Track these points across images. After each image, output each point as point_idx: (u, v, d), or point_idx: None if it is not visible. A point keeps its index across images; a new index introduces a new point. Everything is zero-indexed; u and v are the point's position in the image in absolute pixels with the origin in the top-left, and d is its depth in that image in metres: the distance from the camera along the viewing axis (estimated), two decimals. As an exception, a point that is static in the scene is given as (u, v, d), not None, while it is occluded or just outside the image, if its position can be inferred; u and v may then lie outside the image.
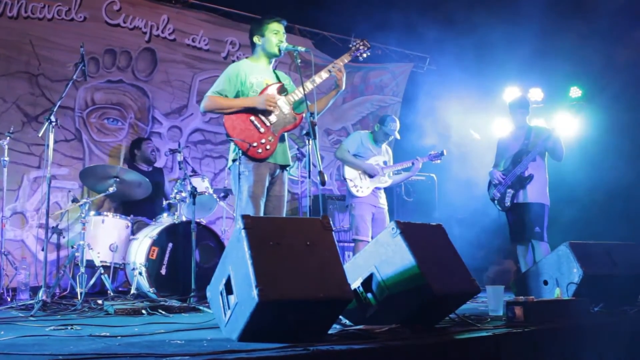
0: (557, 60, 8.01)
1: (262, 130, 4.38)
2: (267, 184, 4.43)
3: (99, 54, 7.44)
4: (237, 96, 4.49)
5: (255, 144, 4.33)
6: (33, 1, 6.99)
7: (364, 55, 4.68)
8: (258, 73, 4.56)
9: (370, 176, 6.27)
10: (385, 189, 6.50)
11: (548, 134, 6.00)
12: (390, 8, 8.05)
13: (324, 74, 4.49)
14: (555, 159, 6.10)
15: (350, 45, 4.67)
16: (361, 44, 4.66)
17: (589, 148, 7.82)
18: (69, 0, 7.21)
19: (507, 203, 6.09)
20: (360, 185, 6.24)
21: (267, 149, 4.37)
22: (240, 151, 4.35)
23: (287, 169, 4.62)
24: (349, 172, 6.29)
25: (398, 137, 6.49)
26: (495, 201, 6.21)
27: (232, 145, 4.47)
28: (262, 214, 4.34)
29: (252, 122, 4.38)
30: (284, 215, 4.61)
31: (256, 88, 4.49)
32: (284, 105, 4.46)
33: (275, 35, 4.57)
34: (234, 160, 4.43)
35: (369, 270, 3.38)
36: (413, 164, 6.49)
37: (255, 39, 4.61)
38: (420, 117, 8.62)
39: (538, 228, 5.87)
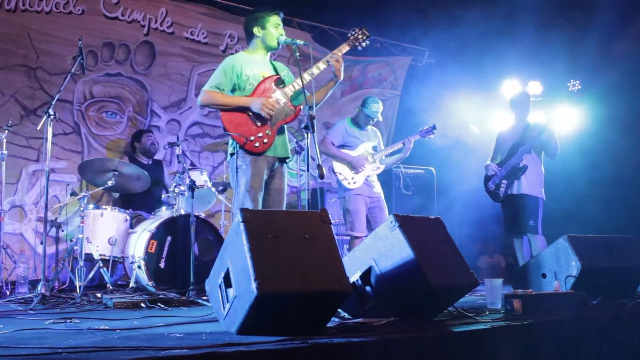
0: (556, 54, 8.00)
1: (258, 124, 4.36)
2: (265, 177, 4.40)
3: (97, 47, 7.43)
4: (233, 89, 4.47)
5: (252, 138, 4.31)
6: (31, -6, 6.99)
7: (363, 44, 4.62)
8: (254, 65, 4.53)
9: (357, 168, 6.09)
10: (383, 182, 6.38)
11: (542, 128, 5.99)
12: (389, 1, 8.04)
13: (321, 65, 4.45)
14: (548, 156, 6.09)
15: (349, 35, 4.63)
16: (360, 32, 4.60)
17: (588, 141, 7.83)
18: (66, -7, 7.21)
19: (502, 194, 6.09)
20: (351, 177, 6.01)
21: (264, 143, 4.35)
22: (238, 145, 4.34)
23: (287, 161, 4.59)
24: (338, 166, 6.09)
25: (380, 119, 6.28)
26: (491, 193, 6.22)
27: (230, 140, 4.46)
28: (259, 208, 4.33)
29: (249, 115, 4.36)
30: (284, 209, 4.60)
31: (252, 81, 4.46)
32: (281, 97, 4.43)
33: (275, 28, 4.55)
34: (231, 155, 4.42)
35: (367, 263, 3.38)
36: (404, 144, 6.31)
37: (256, 30, 4.58)
38: (419, 111, 8.62)
39: (532, 222, 5.87)
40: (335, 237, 3.08)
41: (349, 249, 6.18)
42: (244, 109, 4.35)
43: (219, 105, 4.41)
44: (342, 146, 6.13)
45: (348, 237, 6.17)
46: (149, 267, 5.33)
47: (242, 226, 2.80)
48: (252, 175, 4.31)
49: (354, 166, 6.02)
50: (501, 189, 6.09)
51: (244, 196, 4.29)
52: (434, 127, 6.40)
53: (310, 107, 4.04)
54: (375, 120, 6.23)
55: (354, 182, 6.01)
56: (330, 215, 3.10)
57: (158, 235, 5.43)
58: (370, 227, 5.97)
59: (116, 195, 6.92)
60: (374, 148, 6.21)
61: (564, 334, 3.39)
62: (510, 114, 6.56)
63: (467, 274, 3.43)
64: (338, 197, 6.36)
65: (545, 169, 6.12)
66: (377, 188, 6.16)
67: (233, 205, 4.54)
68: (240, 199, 4.29)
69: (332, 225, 3.07)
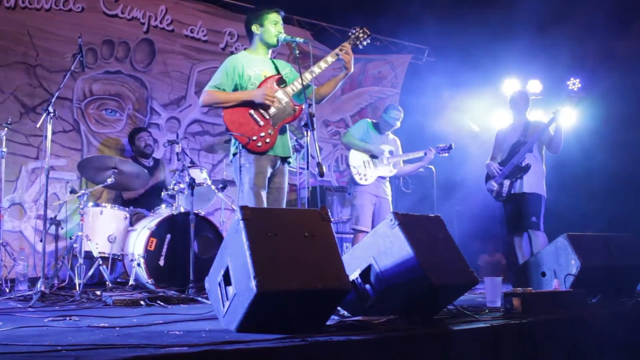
0: (556, 52, 7.99)
1: (261, 123, 4.36)
2: (268, 175, 4.42)
3: (97, 44, 7.42)
4: (235, 89, 4.47)
5: (254, 138, 4.32)
6: (30, -9, 6.99)
7: (364, 43, 4.62)
8: (256, 65, 4.53)
9: (375, 157, 6.19)
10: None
11: (545, 124, 5.99)
12: (389, -1, 8.03)
13: (330, 59, 4.43)
14: (551, 152, 6.08)
15: (350, 33, 4.63)
16: (361, 31, 4.60)
17: (587, 139, 7.82)
18: (66, -9, 7.20)
19: (504, 194, 6.08)
20: (364, 173, 6.15)
21: (266, 142, 4.35)
22: (241, 145, 4.34)
23: (288, 160, 4.60)
24: (354, 160, 6.20)
25: (397, 125, 6.43)
26: (493, 192, 6.21)
27: (232, 139, 4.47)
28: (264, 205, 4.33)
29: (251, 115, 4.36)
30: (284, 207, 4.60)
31: (254, 80, 4.47)
32: (282, 96, 4.43)
33: (274, 25, 4.55)
34: (234, 154, 4.43)
35: (367, 261, 3.38)
36: (425, 154, 6.39)
37: (254, 28, 4.58)
38: (419, 109, 8.61)
39: (534, 218, 5.87)
40: (335, 235, 3.08)
41: (353, 243, 6.25)
42: (246, 104, 4.36)
43: (221, 102, 4.42)
44: None
45: (348, 235, 6.22)
46: (149, 265, 5.32)
47: (241, 224, 2.80)
48: (256, 173, 4.32)
49: (375, 154, 6.19)
50: (503, 188, 6.08)
51: (248, 194, 4.30)
52: (450, 147, 6.48)
53: (310, 105, 4.04)
54: (394, 127, 6.44)
55: (366, 179, 6.14)
56: (330, 213, 3.10)
57: (158, 233, 5.43)
58: (372, 226, 6.02)
59: (114, 192, 6.92)
60: (390, 152, 6.32)
61: (563, 332, 3.39)
62: (509, 112, 6.56)
63: (467, 272, 3.43)
64: (348, 192, 6.51)
65: (545, 167, 6.12)
66: (388, 190, 6.31)
67: (237, 204, 4.54)
68: (244, 198, 4.30)
69: (331, 223, 3.08)
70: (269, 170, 4.42)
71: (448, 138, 7.15)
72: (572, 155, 7.38)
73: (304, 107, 4.33)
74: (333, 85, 4.59)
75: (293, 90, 4.45)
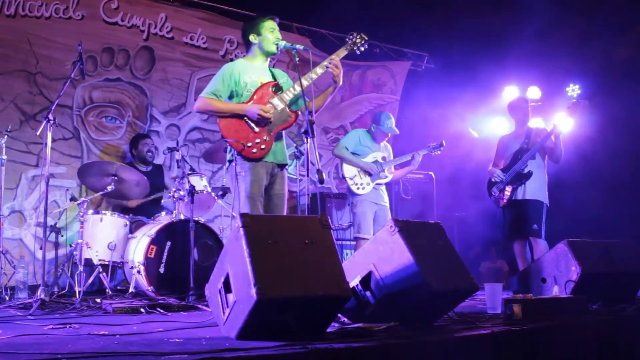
0: (555, 59, 8.00)
1: (256, 130, 4.35)
2: (265, 183, 4.40)
3: (97, 52, 7.43)
4: (231, 96, 4.47)
5: (249, 144, 4.31)
6: (31, -1, 7.00)
7: (362, 48, 4.62)
8: (252, 72, 4.53)
9: (369, 174, 6.23)
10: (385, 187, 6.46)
11: (547, 133, 6.00)
12: (388, 6, 8.04)
13: (319, 70, 4.43)
14: (553, 161, 6.08)
15: (347, 39, 4.63)
16: (358, 37, 4.60)
17: (586, 146, 7.82)
18: (66, -1, 7.22)
19: (506, 200, 6.09)
20: (360, 183, 6.18)
21: (262, 149, 4.34)
22: (236, 151, 4.34)
23: (286, 167, 4.59)
24: (348, 171, 6.24)
25: (397, 131, 6.44)
26: (494, 198, 6.21)
27: (228, 146, 4.46)
28: (259, 214, 4.33)
29: (246, 122, 4.36)
30: (285, 213, 4.60)
31: (250, 87, 4.46)
32: (278, 103, 4.43)
33: (271, 33, 4.55)
34: (230, 161, 4.42)
35: (367, 268, 3.38)
36: (413, 157, 6.40)
37: (252, 37, 4.59)
38: (418, 116, 8.62)
39: (536, 225, 5.86)
40: (335, 242, 3.08)
41: (355, 251, 6.25)
42: (240, 116, 4.36)
43: (215, 112, 4.42)
44: (353, 154, 6.32)
45: (348, 242, 6.21)
46: (149, 272, 5.31)
47: (242, 231, 2.80)
48: (252, 182, 4.32)
49: (365, 171, 6.17)
50: (505, 194, 6.08)
51: (243, 203, 4.29)
52: (441, 145, 6.49)
53: (310, 112, 4.04)
54: (391, 135, 6.44)
55: (363, 188, 6.16)
56: (330, 220, 3.10)
57: (158, 240, 5.42)
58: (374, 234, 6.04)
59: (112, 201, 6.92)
60: (383, 158, 6.34)
61: (563, 339, 3.38)
62: (510, 119, 6.56)
63: (467, 278, 3.43)
64: (348, 202, 6.51)
65: (547, 174, 6.12)
66: (385, 198, 6.30)
67: (233, 212, 4.54)
68: (240, 206, 4.30)
69: (332, 230, 3.08)
70: (266, 178, 4.41)
71: (447, 144, 7.14)
72: (572, 162, 7.38)
73: (301, 113, 4.33)
74: (322, 99, 4.56)
75: (289, 97, 4.45)
